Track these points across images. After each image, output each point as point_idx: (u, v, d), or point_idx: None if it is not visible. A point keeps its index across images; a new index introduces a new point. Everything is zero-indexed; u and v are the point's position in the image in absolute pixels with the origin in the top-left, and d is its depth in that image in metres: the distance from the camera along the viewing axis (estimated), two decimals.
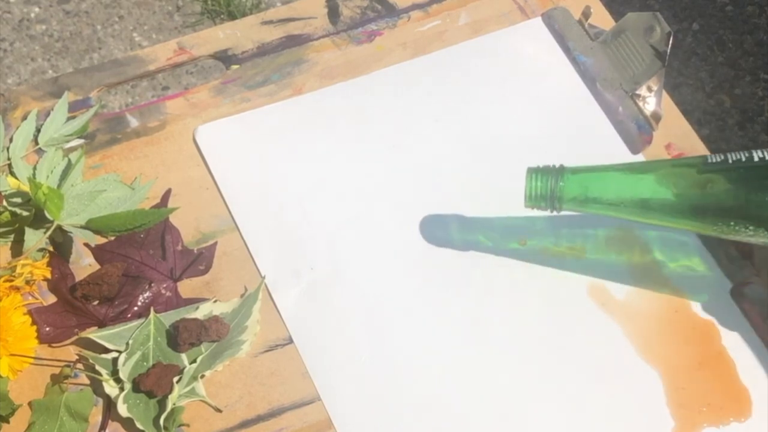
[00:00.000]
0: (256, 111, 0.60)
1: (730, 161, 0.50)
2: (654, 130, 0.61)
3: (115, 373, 0.50)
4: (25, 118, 0.59)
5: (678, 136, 0.61)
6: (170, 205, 0.57)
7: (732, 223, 0.49)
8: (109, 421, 0.50)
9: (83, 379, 0.51)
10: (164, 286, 0.54)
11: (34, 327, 0.51)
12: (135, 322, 0.52)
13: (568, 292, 0.55)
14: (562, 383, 0.52)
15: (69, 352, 0.52)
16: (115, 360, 0.51)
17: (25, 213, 0.54)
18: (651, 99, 0.61)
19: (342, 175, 0.58)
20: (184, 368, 0.50)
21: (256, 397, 0.51)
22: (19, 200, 0.55)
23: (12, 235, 0.54)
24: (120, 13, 1.43)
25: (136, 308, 0.53)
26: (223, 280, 0.55)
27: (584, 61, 0.63)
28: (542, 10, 0.66)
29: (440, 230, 0.57)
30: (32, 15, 1.42)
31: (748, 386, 0.53)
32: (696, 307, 0.55)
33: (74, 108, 0.60)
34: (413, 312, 0.54)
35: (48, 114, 0.59)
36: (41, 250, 0.54)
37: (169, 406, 0.49)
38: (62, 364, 0.51)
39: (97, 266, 0.54)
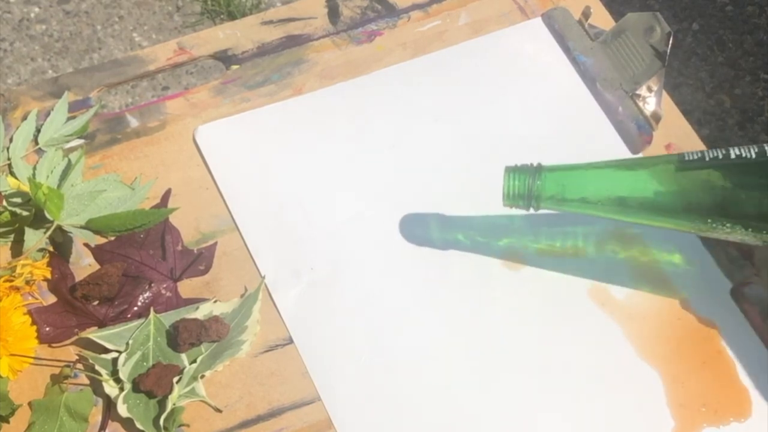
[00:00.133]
0: (256, 111, 0.60)
1: (707, 159, 0.50)
2: (654, 130, 0.61)
3: (115, 373, 0.50)
4: (25, 118, 0.59)
5: (678, 136, 0.61)
6: (170, 205, 0.57)
7: (709, 221, 0.49)
8: (109, 421, 0.50)
9: (83, 379, 0.51)
10: (164, 286, 0.54)
11: (34, 327, 0.51)
12: (135, 322, 0.52)
13: (568, 292, 0.55)
14: (562, 383, 0.52)
15: (69, 352, 0.52)
16: (115, 360, 0.51)
17: (25, 213, 0.54)
18: (651, 99, 0.61)
19: (342, 175, 0.58)
20: (184, 368, 0.50)
21: (256, 397, 0.51)
22: (19, 200, 0.55)
23: (12, 235, 0.54)
24: (120, 13, 1.43)
25: (136, 308, 0.53)
26: (223, 280, 0.55)
27: (584, 61, 0.63)
28: (542, 10, 0.66)
29: (440, 230, 0.57)
30: (32, 15, 1.42)
31: (748, 386, 0.53)
32: (696, 307, 0.55)
33: (74, 108, 0.60)
34: (413, 312, 0.54)
35: (48, 114, 0.59)
36: (41, 250, 0.54)
37: (169, 406, 0.49)
38: (62, 364, 0.51)
39: (97, 266, 0.54)
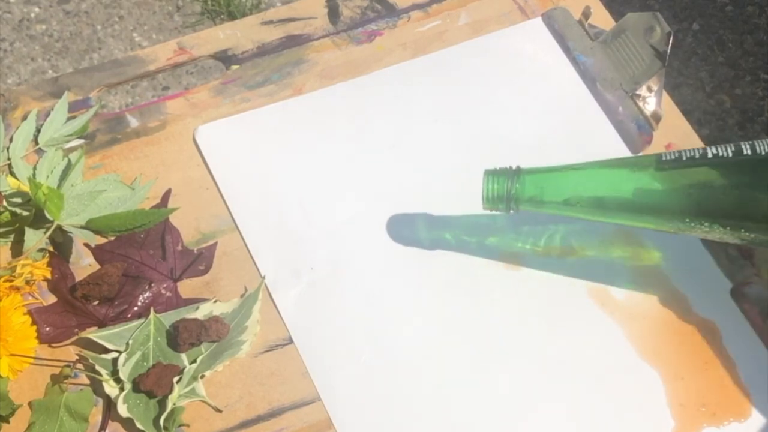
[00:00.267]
0: (256, 111, 0.60)
1: (684, 159, 0.50)
2: (654, 130, 0.61)
3: (115, 373, 0.50)
4: (25, 118, 0.59)
5: (678, 136, 0.61)
6: (170, 205, 0.57)
7: (687, 220, 0.50)
8: (109, 421, 0.50)
9: (83, 379, 0.51)
10: (164, 286, 0.54)
11: (34, 327, 0.51)
12: (135, 322, 0.52)
13: (569, 292, 0.55)
14: (562, 383, 0.52)
15: (69, 352, 0.52)
16: (115, 360, 0.51)
17: (25, 213, 0.54)
18: (651, 99, 0.61)
19: (342, 175, 0.58)
20: (184, 368, 0.50)
21: (256, 397, 0.51)
22: (19, 200, 0.55)
23: (12, 235, 0.54)
24: (120, 13, 1.43)
25: (136, 308, 0.53)
26: (223, 280, 0.55)
27: (584, 61, 0.63)
28: (542, 10, 0.66)
29: (440, 230, 0.57)
30: (32, 15, 1.42)
31: (748, 386, 0.53)
32: (696, 307, 0.55)
33: (74, 108, 0.60)
34: (414, 312, 0.54)
35: (48, 114, 0.59)
36: (41, 250, 0.54)
37: (169, 406, 0.49)
38: (62, 364, 0.51)
39: (97, 266, 0.54)
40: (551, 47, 0.64)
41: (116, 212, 0.55)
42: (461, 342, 0.53)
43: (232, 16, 1.42)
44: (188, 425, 0.50)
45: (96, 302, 0.53)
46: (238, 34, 0.64)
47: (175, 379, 0.50)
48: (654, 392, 0.52)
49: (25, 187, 0.54)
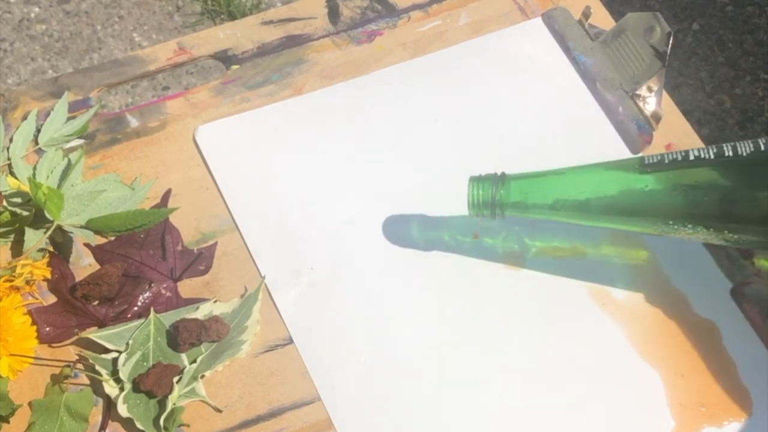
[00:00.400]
0: (256, 111, 0.60)
1: (666, 161, 0.50)
2: (654, 130, 0.61)
3: (115, 373, 0.50)
4: (25, 118, 0.59)
5: (678, 136, 0.61)
6: (170, 205, 0.57)
7: (670, 222, 0.50)
8: (109, 421, 0.50)
9: (83, 379, 0.51)
10: (164, 286, 0.54)
11: (34, 327, 0.51)
12: (135, 322, 0.52)
13: (569, 293, 0.55)
14: (562, 383, 0.52)
15: (69, 352, 0.52)
16: (115, 360, 0.51)
17: (25, 213, 0.54)
18: (651, 99, 0.61)
19: (342, 175, 0.58)
20: (184, 368, 0.50)
21: (256, 397, 0.51)
22: (19, 200, 0.55)
23: (12, 235, 0.54)
24: (120, 13, 1.43)
25: (136, 308, 0.53)
26: (223, 280, 0.55)
27: (584, 61, 0.63)
28: (542, 10, 0.66)
29: (441, 231, 0.57)
30: (32, 15, 1.42)
31: (748, 386, 0.53)
32: (696, 307, 0.55)
33: (74, 108, 0.60)
34: (414, 312, 0.54)
35: (48, 114, 0.59)
36: (41, 250, 0.54)
37: (169, 406, 0.49)
38: (62, 364, 0.51)
39: (97, 266, 0.54)
40: (551, 47, 0.64)
41: (116, 212, 0.55)
42: (461, 342, 0.53)
43: (232, 16, 1.42)
44: (188, 425, 0.50)
45: (96, 302, 0.53)
46: (238, 34, 0.64)
47: (175, 379, 0.50)
48: (654, 392, 0.52)
49: (25, 187, 0.54)
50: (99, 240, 0.55)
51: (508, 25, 0.65)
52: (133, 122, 0.60)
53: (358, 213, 0.57)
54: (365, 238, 0.56)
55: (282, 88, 0.62)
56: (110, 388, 0.50)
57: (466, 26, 0.65)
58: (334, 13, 0.65)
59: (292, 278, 0.55)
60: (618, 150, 0.60)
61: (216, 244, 0.56)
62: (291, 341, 0.53)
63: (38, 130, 0.58)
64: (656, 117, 0.61)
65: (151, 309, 0.52)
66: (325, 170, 0.59)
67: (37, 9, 1.42)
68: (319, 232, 0.56)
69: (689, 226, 0.49)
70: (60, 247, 0.55)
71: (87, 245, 0.55)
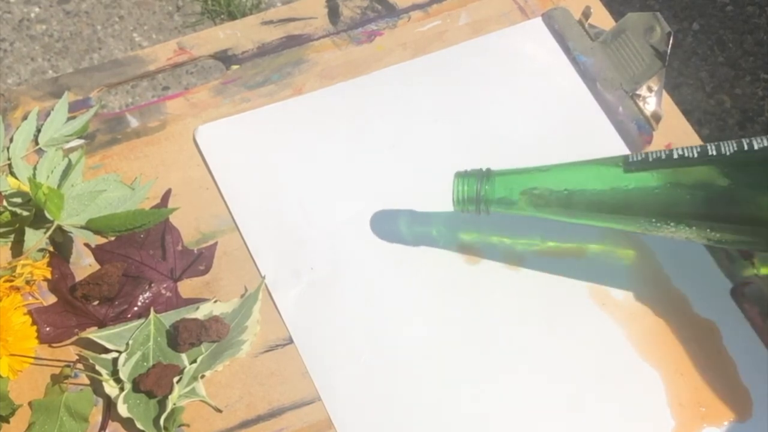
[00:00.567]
0: (256, 111, 0.60)
1: (650, 159, 0.50)
2: (654, 130, 0.61)
3: (115, 373, 0.50)
4: (25, 118, 0.59)
5: (678, 136, 0.61)
6: (170, 205, 0.57)
7: (653, 220, 0.50)
8: (109, 421, 0.50)
9: (83, 379, 0.51)
10: (164, 286, 0.54)
11: (34, 327, 0.51)
12: (135, 322, 0.52)
13: (569, 292, 0.55)
14: (562, 383, 0.52)
15: (69, 352, 0.52)
16: (115, 360, 0.51)
17: (25, 213, 0.54)
18: (651, 99, 0.61)
19: (342, 175, 0.58)
20: (184, 368, 0.50)
21: (256, 397, 0.51)
22: (19, 200, 0.55)
23: (12, 235, 0.54)
24: (120, 13, 1.43)
25: (136, 308, 0.53)
26: (223, 280, 0.55)
27: (584, 61, 0.63)
28: (542, 10, 0.66)
29: (440, 230, 0.57)
30: (32, 15, 1.42)
31: (748, 386, 0.53)
32: (696, 307, 0.55)
33: (74, 108, 0.60)
34: (414, 312, 0.54)
35: (48, 114, 0.59)
36: (41, 250, 0.54)
37: (169, 406, 0.49)
38: (62, 364, 0.51)
39: (97, 266, 0.54)
40: (551, 47, 0.64)
41: (116, 212, 0.55)
42: (461, 342, 0.53)
43: (232, 16, 1.42)
44: (188, 425, 0.50)
45: (96, 302, 0.53)
46: (238, 34, 0.64)
47: (175, 379, 0.50)
48: (654, 392, 0.52)
49: (25, 187, 0.54)
50: (99, 240, 0.55)
51: (508, 25, 0.65)
52: (133, 122, 0.60)
53: (358, 213, 0.57)
54: (365, 238, 0.56)
55: (282, 88, 0.62)
56: (110, 388, 0.50)
57: (466, 26, 0.65)
58: (334, 13, 0.65)
59: (292, 278, 0.55)
60: (618, 150, 0.60)
61: (216, 244, 0.56)
62: (291, 341, 0.53)
63: (38, 130, 0.58)
64: (656, 117, 0.61)
65: (151, 309, 0.52)
66: (325, 170, 0.59)
67: (37, 9, 1.42)
68: (319, 232, 0.56)
69: (672, 224, 0.50)
70: (60, 247, 0.55)
71: (87, 245, 0.55)
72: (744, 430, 0.51)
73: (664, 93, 0.61)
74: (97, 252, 0.55)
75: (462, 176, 0.53)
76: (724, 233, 0.50)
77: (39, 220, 0.54)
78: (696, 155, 0.49)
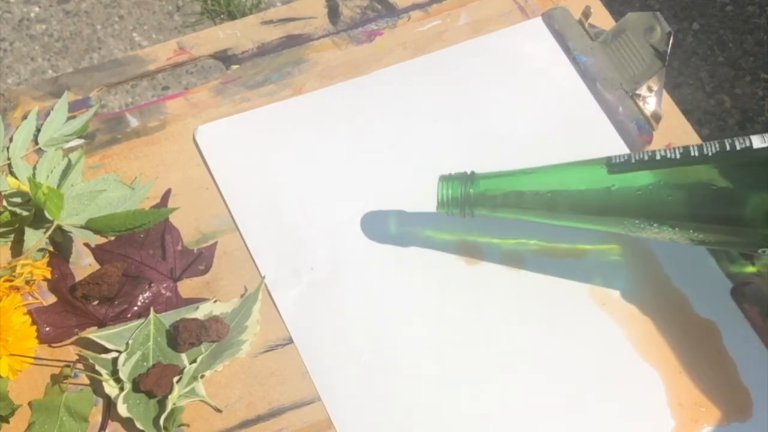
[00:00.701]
0: (256, 111, 0.60)
1: (633, 161, 0.50)
2: (654, 130, 0.61)
3: (115, 373, 0.50)
4: (24, 117, 0.59)
5: (678, 136, 0.61)
6: (170, 205, 0.57)
7: (637, 221, 0.50)
8: (109, 421, 0.50)
9: (83, 379, 0.51)
10: (164, 286, 0.54)
11: (34, 327, 0.51)
12: (135, 322, 0.52)
13: (569, 292, 0.55)
14: (562, 383, 0.52)
15: (69, 352, 0.52)
16: (115, 360, 0.51)
17: (25, 213, 0.54)
18: (651, 99, 0.61)
19: (342, 175, 0.58)
20: (184, 368, 0.50)
21: (256, 397, 0.51)
22: (19, 200, 0.55)
23: (12, 235, 0.54)
24: (120, 13, 1.43)
25: (136, 308, 0.53)
26: (223, 280, 0.55)
27: (584, 61, 0.63)
28: (542, 10, 0.66)
29: (440, 230, 0.57)
30: (32, 15, 1.42)
31: (748, 386, 0.53)
32: (696, 307, 0.55)
33: (74, 108, 0.60)
34: (414, 312, 0.54)
35: (48, 114, 0.59)
36: (41, 250, 0.54)
37: (169, 406, 0.49)
38: (62, 364, 0.51)
39: (97, 266, 0.54)
40: (551, 47, 0.64)
41: (116, 212, 0.55)
42: (461, 342, 0.53)
43: (232, 16, 1.42)
44: (188, 425, 0.50)
45: (96, 302, 0.53)
46: (238, 33, 0.64)
47: (175, 379, 0.50)
48: (654, 392, 0.52)
49: (25, 187, 0.54)
50: (99, 240, 0.55)
51: (508, 25, 0.65)
52: (133, 122, 0.60)
53: (358, 213, 0.57)
54: (365, 238, 0.56)
55: (282, 87, 0.62)
56: (110, 388, 0.50)
57: (466, 26, 0.65)
58: (334, 13, 0.65)
59: (292, 278, 0.55)
60: (618, 150, 0.60)
61: (216, 244, 0.56)
62: (291, 341, 0.53)
63: (38, 130, 0.58)
64: (656, 117, 0.61)
65: (151, 309, 0.52)
66: (325, 170, 0.59)
67: (37, 9, 1.42)
68: (319, 232, 0.56)
69: (655, 225, 0.50)
70: (60, 247, 0.55)
71: (87, 245, 0.55)
72: (744, 430, 0.51)
73: (664, 93, 0.61)
74: (97, 252, 0.55)
75: (446, 179, 0.53)
76: (708, 234, 0.50)
77: (39, 219, 0.54)
78: (678, 156, 0.50)
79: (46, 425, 0.49)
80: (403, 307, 0.54)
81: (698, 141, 0.61)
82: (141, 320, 0.52)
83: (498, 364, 0.53)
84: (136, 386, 0.50)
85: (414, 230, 0.57)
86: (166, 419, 0.49)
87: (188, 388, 0.50)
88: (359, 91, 0.61)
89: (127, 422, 0.50)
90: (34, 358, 0.51)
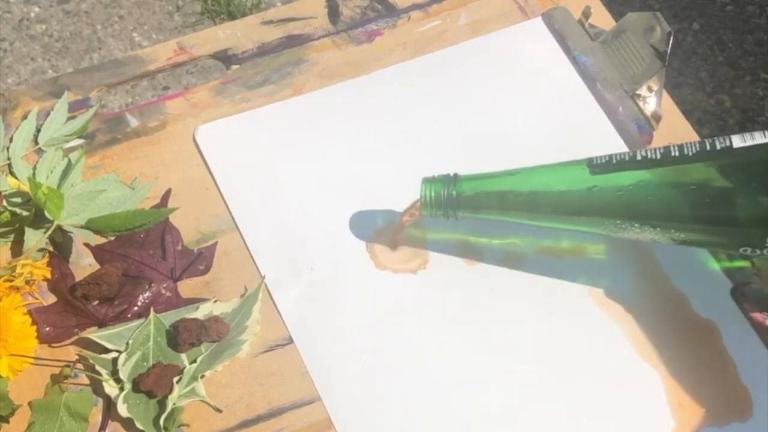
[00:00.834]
0: (256, 111, 0.60)
1: (614, 161, 0.50)
2: (654, 130, 0.61)
3: (115, 373, 0.50)
4: (25, 117, 0.59)
5: (678, 136, 0.61)
6: (170, 205, 0.57)
7: (618, 222, 0.50)
8: (109, 421, 0.50)
9: (83, 379, 0.51)
10: (164, 286, 0.54)
11: (34, 327, 0.51)
12: (135, 322, 0.52)
13: (568, 292, 0.55)
14: (562, 383, 0.52)
15: (69, 352, 0.52)
16: (115, 360, 0.51)
17: (25, 213, 0.54)
18: (651, 99, 0.61)
19: (342, 175, 0.58)
20: (184, 368, 0.50)
21: (256, 397, 0.51)
22: (19, 200, 0.55)
23: (12, 235, 0.54)
24: (120, 13, 1.43)
25: (136, 308, 0.53)
26: (223, 280, 0.55)
27: (584, 61, 0.63)
28: (542, 10, 0.66)
29: (440, 230, 0.57)
30: (32, 15, 1.42)
31: (748, 386, 0.53)
32: (696, 307, 0.55)
33: (74, 108, 0.60)
34: (413, 312, 0.54)
35: (48, 114, 0.59)
36: (41, 250, 0.54)
37: (169, 406, 0.49)
38: (62, 364, 0.51)
39: (97, 266, 0.54)
40: (551, 47, 0.64)
41: (116, 212, 0.55)
42: (461, 342, 0.53)
43: (232, 16, 1.42)
44: (188, 425, 0.50)
45: (96, 302, 0.53)
46: (238, 33, 0.64)
47: (175, 379, 0.50)
48: (654, 392, 0.52)
49: (25, 187, 0.54)
50: (99, 240, 0.55)
51: (508, 25, 0.65)
52: (133, 122, 0.60)
53: (358, 213, 0.57)
54: (365, 238, 0.56)
55: (282, 88, 0.62)
56: (110, 388, 0.50)
57: (466, 26, 0.65)
58: (334, 13, 0.65)
59: (292, 278, 0.55)
60: (618, 150, 0.60)
61: (216, 244, 0.56)
62: (291, 341, 0.53)
63: (38, 130, 0.58)
64: (656, 117, 0.61)
65: (151, 309, 0.52)
66: (325, 170, 0.59)
67: (37, 9, 1.42)
68: (319, 232, 0.56)
69: (636, 225, 0.50)
70: (60, 247, 0.55)
71: (87, 245, 0.55)
72: (744, 430, 0.51)
73: (664, 93, 0.61)
74: (97, 252, 0.55)
75: (429, 181, 0.53)
76: (689, 234, 0.50)
77: (39, 219, 0.54)
78: (659, 156, 0.50)
79: (46, 425, 0.49)
80: (403, 307, 0.54)
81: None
82: (141, 320, 0.52)
83: (498, 364, 0.53)
84: (136, 386, 0.50)
85: (414, 230, 0.57)
86: (166, 419, 0.49)
87: (188, 388, 0.50)
88: (359, 91, 0.61)
89: (127, 422, 0.50)
90: (34, 358, 0.51)
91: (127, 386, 0.50)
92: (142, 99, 1.32)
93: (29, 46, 1.39)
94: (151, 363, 0.51)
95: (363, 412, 0.51)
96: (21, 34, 1.40)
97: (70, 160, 0.57)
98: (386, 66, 0.63)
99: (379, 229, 0.56)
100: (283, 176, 0.58)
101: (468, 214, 0.53)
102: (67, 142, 0.58)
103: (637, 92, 0.61)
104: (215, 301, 0.53)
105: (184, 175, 0.58)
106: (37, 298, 0.53)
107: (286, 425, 0.51)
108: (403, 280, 0.55)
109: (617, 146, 0.60)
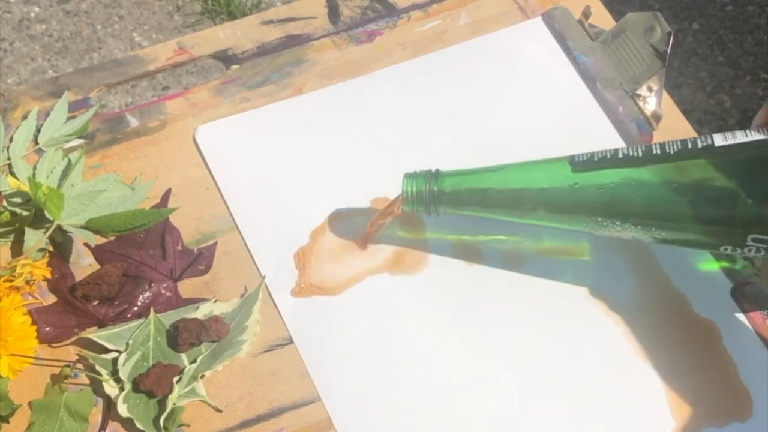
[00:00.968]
0: (256, 111, 0.60)
1: (596, 159, 0.50)
2: (654, 130, 0.61)
3: (115, 373, 0.50)
4: (25, 117, 0.59)
5: (678, 135, 0.61)
6: (170, 205, 0.57)
7: (599, 219, 0.50)
8: (109, 421, 0.50)
9: (83, 379, 0.51)
10: (164, 286, 0.54)
11: (34, 327, 0.51)
12: (135, 322, 0.52)
13: (569, 292, 0.55)
14: (561, 383, 0.52)
15: (69, 352, 0.52)
16: (115, 360, 0.51)
17: (25, 213, 0.54)
18: (651, 99, 0.61)
19: (342, 176, 0.58)
20: (184, 368, 0.50)
21: (256, 397, 0.51)
22: (19, 200, 0.55)
23: (12, 235, 0.54)
24: (120, 13, 1.43)
25: (136, 308, 0.53)
26: (223, 280, 0.55)
27: (584, 61, 0.63)
28: (542, 10, 0.66)
29: (439, 230, 0.57)
30: (32, 15, 1.42)
31: (748, 386, 0.53)
32: (696, 307, 0.55)
33: (74, 108, 0.60)
34: (413, 312, 0.54)
35: (48, 114, 0.59)
36: (41, 250, 0.54)
37: (169, 406, 0.49)
38: (62, 364, 0.51)
39: (97, 266, 0.54)
40: (551, 47, 0.64)
41: (116, 212, 0.55)
42: (461, 342, 0.53)
43: (232, 16, 1.42)
44: (188, 425, 0.50)
45: (96, 302, 0.53)
46: (238, 33, 0.64)
47: (175, 379, 0.50)
48: (654, 392, 0.52)
49: (25, 187, 0.54)
50: (99, 240, 0.55)
51: (508, 25, 0.65)
52: (133, 122, 0.60)
53: (357, 213, 0.57)
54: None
55: (282, 88, 0.62)
56: (110, 388, 0.50)
57: (466, 26, 0.65)
58: (334, 13, 0.65)
59: (292, 278, 0.55)
60: None
61: (216, 244, 0.56)
62: (291, 341, 0.53)
63: (38, 130, 0.58)
64: (656, 117, 0.61)
65: (151, 309, 0.52)
66: (325, 170, 0.59)
67: (37, 9, 1.43)
68: None
69: (617, 223, 0.50)
70: (60, 247, 0.55)
71: (87, 245, 0.55)
72: (744, 430, 0.51)
73: (664, 93, 0.61)
74: (97, 252, 0.55)
75: (411, 177, 0.53)
76: (670, 232, 0.50)
77: (39, 219, 0.54)
78: (640, 154, 0.49)
79: (46, 425, 0.49)
80: (403, 307, 0.54)
81: None
82: (141, 320, 0.52)
83: (498, 364, 0.53)
84: (136, 386, 0.50)
85: (414, 230, 0.57)
86: (166, 419, 0.49)
87: (188, 388, 0.50)
88: (359, 91, 0.61)
89: (127, 422, 0.50)
90: (34, 358, 0.51)
91: (127, 386, 0.50)
92: (142, 99, 1.33)
93: (29, 46, 1.39)
94: (151, 363, 0.51)
95: (363, 412, 0.51)
96: (21, 34, 1.40)
97: (70, 160, 0.57)
98: (386, 66, 0.63)
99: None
100: (283, 176, 0.58)
101: (450, 210, 0.52)
102: (67, 142, 0.58)
103: (637, 92, 0.61)
104: (215, 301, 0.53)
105: (184, 175, 0.58)
106: (37, 298, 0.53)
107: (286, 425, 0.51)
108: (403, 279, 0.55)
109: (617, 146, 0.60)
